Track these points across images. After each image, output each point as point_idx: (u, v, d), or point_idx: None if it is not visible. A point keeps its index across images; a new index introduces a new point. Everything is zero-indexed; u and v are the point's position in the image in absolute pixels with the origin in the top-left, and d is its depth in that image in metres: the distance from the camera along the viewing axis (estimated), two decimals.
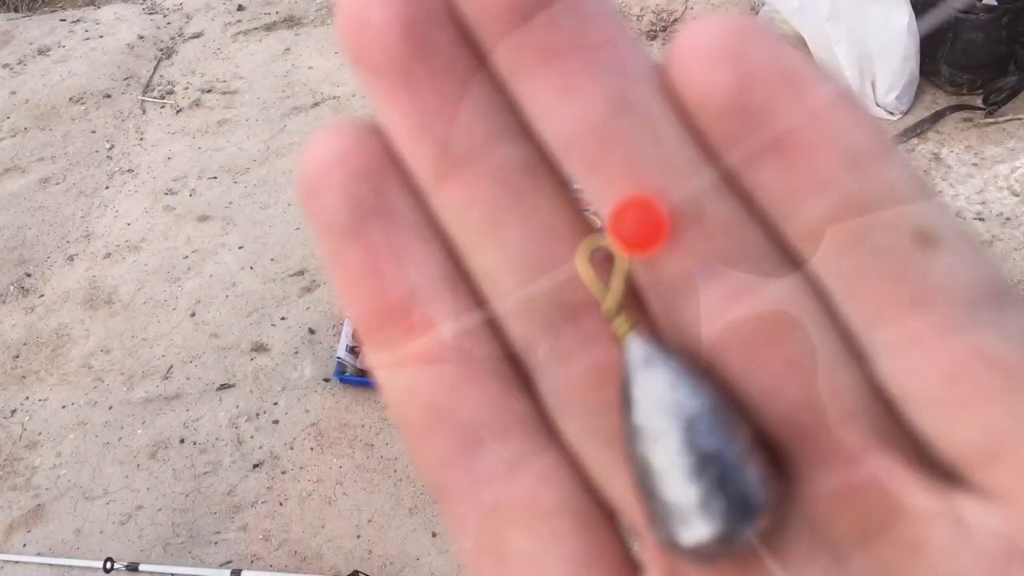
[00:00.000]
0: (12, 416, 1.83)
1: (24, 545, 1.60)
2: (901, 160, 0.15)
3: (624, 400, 0.16)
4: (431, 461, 0.17)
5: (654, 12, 2.62)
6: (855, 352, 0.16)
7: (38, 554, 1.57)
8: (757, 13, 2.25)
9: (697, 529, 0.15)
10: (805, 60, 0.16)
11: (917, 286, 0.15)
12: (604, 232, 0.16)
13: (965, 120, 2.06)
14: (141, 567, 1.49)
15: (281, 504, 1.62)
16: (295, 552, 1.55)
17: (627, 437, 0.16)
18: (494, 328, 0.18)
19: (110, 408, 1.81)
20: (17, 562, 1.55)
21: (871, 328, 0.15)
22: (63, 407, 1.83)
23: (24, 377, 1.90)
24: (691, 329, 0.16)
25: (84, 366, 1.90)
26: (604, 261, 0.17)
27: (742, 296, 0.16)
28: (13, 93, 2.73)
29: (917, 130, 2.03)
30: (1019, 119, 2.02)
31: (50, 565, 1.55)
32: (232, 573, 1.48)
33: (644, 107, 0.16)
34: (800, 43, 2.11)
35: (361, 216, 0.17)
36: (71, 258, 2.17)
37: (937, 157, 1.99)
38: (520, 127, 0.17)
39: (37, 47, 2.94)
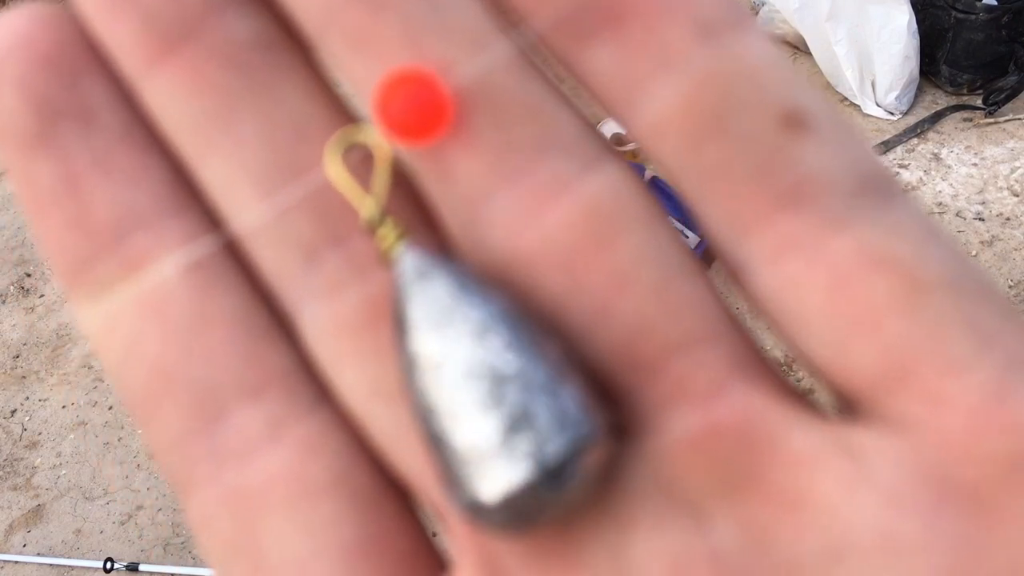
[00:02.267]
0: (12, 416, 1.83)
1: (24, 545, 1.60)
2: (759, 30, 0.12)
3: (397, 327, 0.12)
4: (164, 438, 0.13)
5: None
6: (732, 264, 0.13)
7: (38, 554, 1.57)
8: (757, 13, 2.25)
9: (500, 476, 0.11)
10: None
11: (789, 179, 0.12)
12: (365, 124, 0.12)
13: (965, 120, 2.05)
14: (141, 567, 1.49)
15: None
16: None
17: (403, 373, 0.12)
18: (237, 257, 0.14)
19: (110, 408, 1.81)
20: (17, 562, 1.55)
21: (738, 233, 0.12)
22: (63, 407, 1.83)
23: (24, 377, 1.90)
24: (495, 245, 0.13)
25: (84, 366, 1.90)
26: (367, 161, 0.13)
27: (555, 196, 0.12)
28: None
29: (917, 130, 2.03)
30: (1019, 119, 2.02)
31: (50, 565, 1.55)
32: None
33: None
34: (800, 43, 2.11)
35: (50, 117, 0.13)
36: None
37: (937, 157, 1.99)
38: None
39: None
